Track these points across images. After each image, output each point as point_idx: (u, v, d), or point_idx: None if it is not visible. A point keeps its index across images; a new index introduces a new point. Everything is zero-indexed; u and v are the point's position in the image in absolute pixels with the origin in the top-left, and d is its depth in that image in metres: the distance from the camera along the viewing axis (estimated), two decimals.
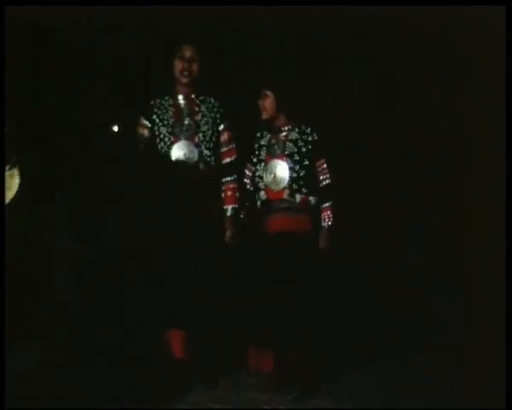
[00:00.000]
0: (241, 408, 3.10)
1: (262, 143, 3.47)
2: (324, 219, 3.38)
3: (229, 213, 3.37)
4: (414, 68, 4.67)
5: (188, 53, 3.31)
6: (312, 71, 4.48)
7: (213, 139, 3.35)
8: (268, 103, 3.39)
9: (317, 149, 3.39)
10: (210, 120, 3.36)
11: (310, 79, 4.31)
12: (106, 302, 3.63)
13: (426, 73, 4.68)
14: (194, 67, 3.32)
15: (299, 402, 3.15)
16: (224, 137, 3.40)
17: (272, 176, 3.38)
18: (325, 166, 3.40)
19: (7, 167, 2.77)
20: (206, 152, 3.33)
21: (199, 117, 3.36)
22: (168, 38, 3.60)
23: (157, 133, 3.33)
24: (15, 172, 2.80)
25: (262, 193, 3.42)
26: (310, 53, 4.55)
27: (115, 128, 4.33)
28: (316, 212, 3.41)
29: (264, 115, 3.42)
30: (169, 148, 3.32)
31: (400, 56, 4.68)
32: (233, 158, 3.42)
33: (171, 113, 3.36)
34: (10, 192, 2.79)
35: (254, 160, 3.49)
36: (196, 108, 3.38)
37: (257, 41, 4.53)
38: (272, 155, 3.42)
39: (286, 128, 3.42)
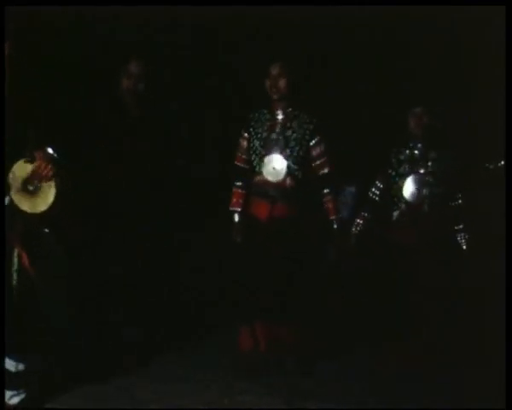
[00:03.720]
0: None
1: (401, 158, 3.75)
2: (462, 241, 3.78)
3: (335, 226, 3.54)
4: (413, 68, 4.67)
5: (274, 70, 3.46)
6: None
7: (301, 154, 3.48)
8: (427, 119, 3.69)
9: (453, 170, 3.74)
10: (299, 136, 3.48)
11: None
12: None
13: (425, 73, 4.67)
14: (282, 83, 3.45)
15: (291, 404, 3.15)
16: (317, 151, 3.52)
17: (415, 190, 3.69)
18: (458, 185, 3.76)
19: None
20: (293, 166, 3.46)
21: (289, 132, 3.50)
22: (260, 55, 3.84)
23: (251, 145, 3.53)
24: (53, 184, 2.76)
25: (403, 206, 3.71)
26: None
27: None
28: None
29: (420, 131, 3.69)
30: (260, 160, 3.48)
31: (399, 56, 4.67)
32: (328, 170, 3.54)
33: (265, 127, 3.53)
34: (44, 203, 2.75)
35: (392, 173, 3.75)
36: (288, 124, 3.51)
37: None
38: (414, 170, 3.72)
39: (423, 146, 3.74)
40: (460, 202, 3.76)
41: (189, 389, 3.26)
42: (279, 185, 3.46)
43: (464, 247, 3.74)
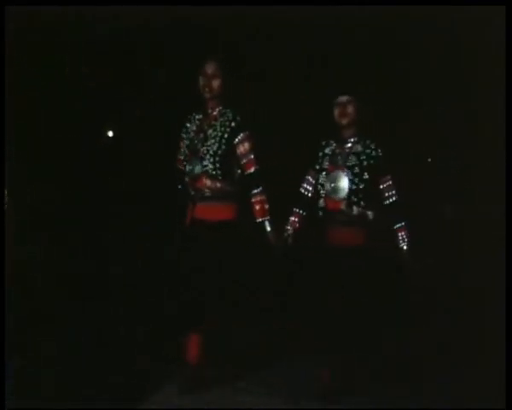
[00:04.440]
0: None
1: (326, 151, 3.42)
2: (400, 241, 3.34)
3: (268, 228, 3.32)
4: (413, 68, 4.67)
5: (209, 70, 3.32)
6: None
7: (220, 153, 3.29)
8: (352, 109, 3.33)
9: (381, 165, 3.33)
10: (219, 134, 3.32)
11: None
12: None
13: (425, 73, 4.68)
14: (216, 83, 3.32)
15: (291, 404, 3.15)
16: (241, 149, 3.33)
17: (333, 185, 3.34)
18: (391, 182, 3.35)
19: None
20: (210, 166, 3.29)
21: (210, 131, 3.34)
22: (193, 55, 3.64)
23: (181, 146, 3.41)
24: None
25: (321, 201, 3.38)
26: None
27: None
28: (371, 226, 3.35)
29: (344, 121, 3.34)
30: (185, 160, 3.36)
31: (399, 56, 4.68)
32: (254, 169, 3.34)
33: (194, 126, 3.39)
34: None
35: (317, 168, 3.43)
36: (213, 122, 3.36)
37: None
38: (335, 164, 3.37)
39: (352, 140, 3.38)
40: (394, 199, 3.35)
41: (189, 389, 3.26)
42: (197, 186, 3.30)
43: (405, 246, 3.32)
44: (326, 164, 3.39)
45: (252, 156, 3.34)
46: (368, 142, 3.36)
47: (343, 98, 3.33)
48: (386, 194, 3.35)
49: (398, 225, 3.34)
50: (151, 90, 3.99)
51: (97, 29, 4.05)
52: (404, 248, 3.32)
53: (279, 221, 3.41)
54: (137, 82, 4.29)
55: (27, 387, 2.99)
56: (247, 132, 3.33)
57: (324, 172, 3.37)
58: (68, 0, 3.51)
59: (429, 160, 5.16)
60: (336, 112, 3.34)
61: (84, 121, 3.56)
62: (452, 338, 4.03)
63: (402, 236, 3.34)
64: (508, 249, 2.86)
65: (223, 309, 3.28)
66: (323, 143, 3.45)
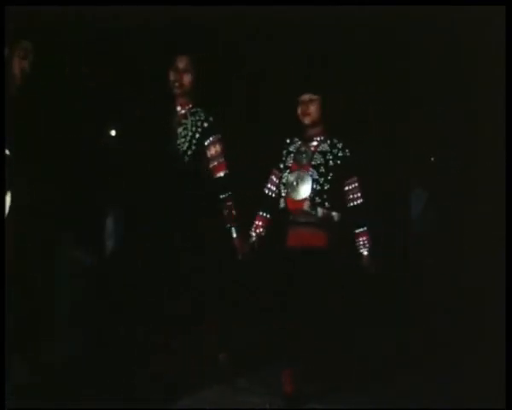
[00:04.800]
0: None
1: (291, 149, 3.27)
2: (360, 246, 3.20)
3: (234, 235, 3.28)
4: (413, 68, 4.67)
5: (181, 64, 3.25)
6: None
7: (189, 153, 3.23)
8: (314, 108, 3.18)
9: (348, 165, 3.18)
10: (189, 133, 3.26)
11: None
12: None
13: (425, 73, 4.68)
14: (187, 78, 3.25)
15: (291, 404, 3.14)
16: (212, 151, 3.28)
17: (294, 185, 3.17)
18: (356, 184, 3.20)
19: None
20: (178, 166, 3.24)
21: (180, 129, 3.27)
22: (163, 49, 3.60)
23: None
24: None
25: (282, 201, 3.23)
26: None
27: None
28: (336, 228, 3.19)
29: (307, 120, 3.19)
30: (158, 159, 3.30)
31: (399, 56, 4.68)
32: (224, 173, 3.30)
33: (163, 124, 3.33)
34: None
35: (281, 166, 3.28)
36: (183, 121, 3.29)
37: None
38: (299, 163, 3.20)
39: (318, 138, 3.22)
40: (359, 202, 3.20)
41: (190, 389, 3.26)
42: None
43: (365, 252, 3.19)
44: (290, 162, 3.24)
45: (222, 160, 3.28)
46: (335, 141, 3.20)
47: (306, 97, 3.18)
48: (351, 196, 3.20)
49: (359, 230, 3.19)
50: (151, 90, 3.98)
51: (97, 29, 4.04)
52: (365, 253, 3.18)
53: (245, 227, 3.34)
54: (137, 82, 4.28)
55: (27, 387, 3.00)
56: (219, 135, 3.26)
57: (287, 171, 3.22)
58: (68, 0, 3.51)
59: (432, 159, 5.16)
60: (299, 110, 3.21)
61: (84, 121, 3.55)
62: (452, 338, 4.03)
63: (363, 241, 3.19)
64: (508, 249, 2.86)
65: (222, 310, 3.31)
66: (288, 140, 3.31)
